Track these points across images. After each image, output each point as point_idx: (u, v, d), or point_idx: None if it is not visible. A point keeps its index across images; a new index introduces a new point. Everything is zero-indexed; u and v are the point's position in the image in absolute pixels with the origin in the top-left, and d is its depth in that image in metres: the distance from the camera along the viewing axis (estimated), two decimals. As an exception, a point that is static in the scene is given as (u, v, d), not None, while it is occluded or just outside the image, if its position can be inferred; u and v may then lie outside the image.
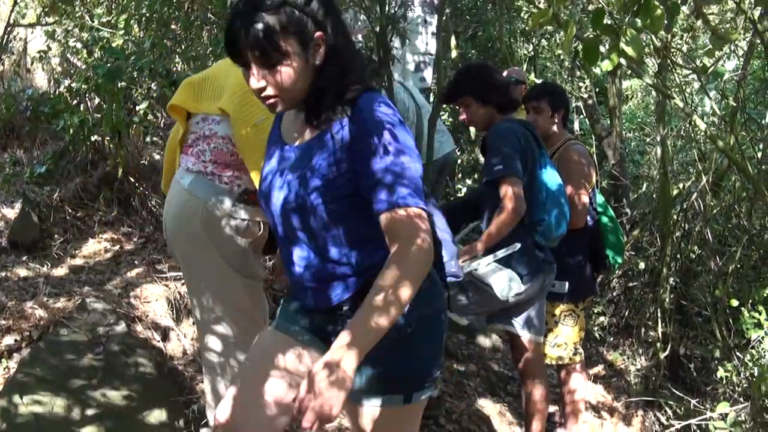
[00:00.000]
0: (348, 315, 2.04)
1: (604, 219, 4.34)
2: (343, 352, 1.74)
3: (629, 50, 2.58)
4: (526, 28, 8.35)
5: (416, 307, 1.96)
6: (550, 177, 3.76)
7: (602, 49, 2.78)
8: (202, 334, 2.96)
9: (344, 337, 1.77)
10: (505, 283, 3.56)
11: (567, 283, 4.12)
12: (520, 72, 5.75)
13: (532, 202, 3.67)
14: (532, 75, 8.67)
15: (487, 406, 4.80)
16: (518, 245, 3.59)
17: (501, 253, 3.59)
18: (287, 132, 2.19)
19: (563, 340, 4.29)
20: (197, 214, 2.76)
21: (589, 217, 4.25)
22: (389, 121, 1.96)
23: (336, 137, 1.99)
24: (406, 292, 1.82)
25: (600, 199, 4.42)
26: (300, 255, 2.10)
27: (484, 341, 5.80)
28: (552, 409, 4.59)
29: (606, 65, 2.73)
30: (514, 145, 3.62)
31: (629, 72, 6.92)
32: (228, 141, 2.76)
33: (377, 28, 5.11)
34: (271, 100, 1.99)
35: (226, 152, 2.78)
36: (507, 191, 3.54)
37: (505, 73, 5.26)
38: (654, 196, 7.23)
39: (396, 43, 5.29)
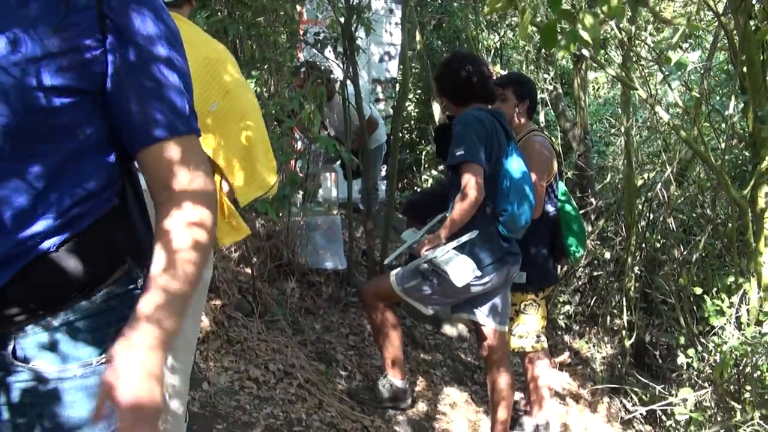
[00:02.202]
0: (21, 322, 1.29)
1: (567, 207, 4.37)
2: (139, 354, 1.20)
3: (586, 36, 2.59)
4: (485, 16, 8.35)
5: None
6: (516, 167, 3.77)
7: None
8: None
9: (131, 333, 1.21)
10: (461, 270, 3.57)
11: (525, 274, 4.13)
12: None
13: (496, 192, 3.69)
14: (498, 66, 8.69)
15: (454, 395, 4.81)
16: (476, 232, 3.63)
17: (459, 241, 3.62)
18: None
19: (525, 329, 4.31)
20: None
21: (551, 207, 4.28)
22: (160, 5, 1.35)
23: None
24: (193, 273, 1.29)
25: (562, 188, 4.45)
26: None
27: (451, 331, 5.82)
28: (517, 397, 4.61)
29: (562, 49, 2.74)
30: (479, 133, 3.64)
31: (595, 64, 6.96)
32: None
33: (342, 19, 5.09)
34: None
35: None
36: (468, 178, 3.56)
37: None
38: (619, 186, 7.29)
39: (361, 33, 5.27)
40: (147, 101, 1.29)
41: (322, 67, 5.63)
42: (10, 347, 1.26)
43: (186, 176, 1.32)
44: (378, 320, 4.13)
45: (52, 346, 1.28)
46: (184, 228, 1.30)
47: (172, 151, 1.31)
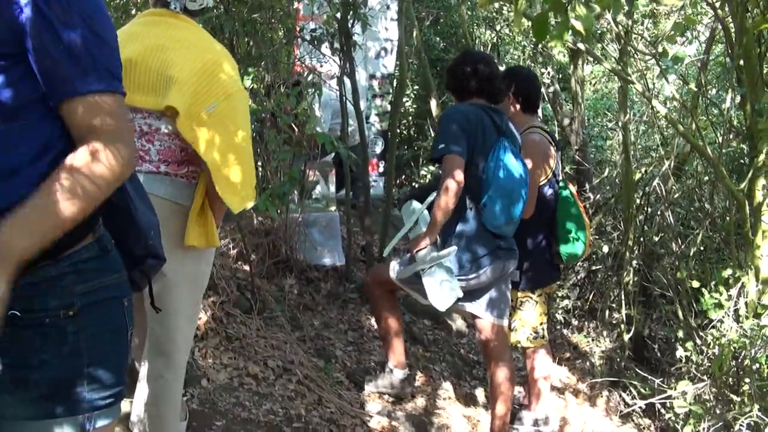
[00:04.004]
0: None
1: (565, 193, 4.30)
2: None
3: (578, 26, 2.58)
4: (479, 7, 8.36)
5: (81, 280, 1.47)
6: (505, 164, 3.73)
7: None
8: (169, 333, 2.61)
9: None
10: (441, 295, 3.67)
11: (517, 272, 4.13)
12: None
13: (480, 186, 3.70)
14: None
15: (453, 390, 4.81)
16: (455, 248, 3.68)
17: (443, 254, 3.67)
18: None
19: (521, 324, 4.32)
20: (166, 215, 2.35)
21: (552, 204, 4.25)
22: None
23: None
24: (77, 203, 1.38)
25: (560, 178, 4.42)
26: None
27: (450, 326, 5.82)
28: (517, 391, 4.62)
29: (554, 40, 2.73)
30: (461, 125, 3.68)
31: (592, 58, 6.96)
32: (175, 137, 2.43)
33: (338, 14, 5.08)
34: None
35: (175, 149, 2.47)
36: (448, 169, 3.61)
37: None
38: (617, 180, 7.30)
39: (357, 29, 5.26)
40: (66, 57, 1.36)
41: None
42: None
43: (102, 126, 1.40)
44: (379, 308, 4.21)
45: (19, 299, 1.36)
46: (82, 161, 1.38)
47: (91, 105, 1.39)
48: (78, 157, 1.38)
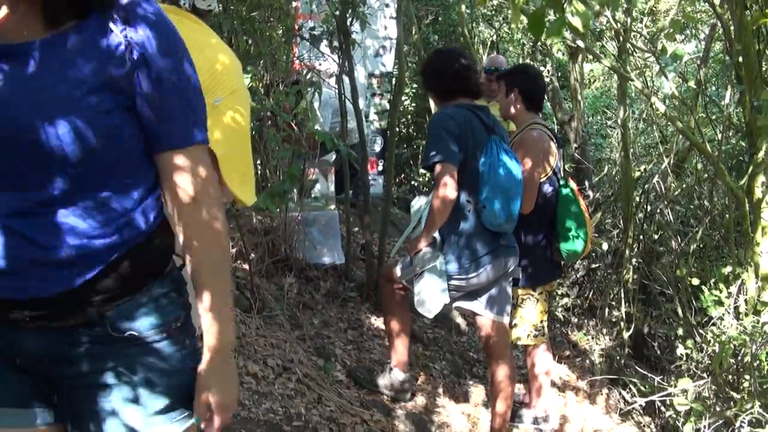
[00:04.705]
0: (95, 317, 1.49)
1: (565, 190, 4.29)
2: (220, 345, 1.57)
3: (576, 22, 2.57)
4: (477, 5, 8.35)
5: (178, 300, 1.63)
6: (498, 162, 3.72)
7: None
8: None
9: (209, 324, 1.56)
10: (429, 301, 3.71)
11: (519, 270, 4.13)
12: (493, 59, 5.78)
13: (477, 185, 3.70)
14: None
15: (453, 388, 4.81)
16: (437, 263, 3.72)
17: (420, 267, 3.74)
18: None
19: (521, 322, 4.32)
20: None
21: (552, 201, 4.24)
22: (171, 23, 1.52)
23: (104, 41, 1.40)
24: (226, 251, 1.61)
25: (561, 175, 4.42)
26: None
27: (449, 324, 5.82)
28: (517, 389, 4.62)
29: (550, 36, 2.72)
30: (450, 130, 3.66)
31: (591, 56, 6.96)
32: None
33: (337, 12, 5.08)
34: None
35: None
36: (440, 178, 3.61)
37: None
38: (616, 178, 7.29)
39: (356, 27, 5.26)
40: (171, 113, 1.47)
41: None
42: (108, 323, 1.48)
43: (204, 183, 1.53)
44: (388, 307, 4.24)
45: (139, 319, 1.51)
46: (215, 237, 1.55)
47: (191, 157, 1.50)
48: (202, 220, 1.53)
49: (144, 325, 1.51)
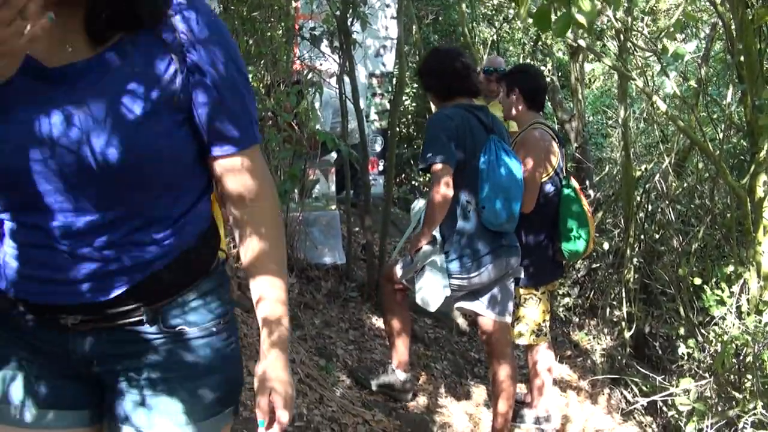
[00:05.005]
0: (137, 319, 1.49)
1: (567, 190, 4.29)
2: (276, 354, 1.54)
3: (581, 18, 2.56)
4: (479, 8, 8.35)
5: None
6: (498, 162, 3.73)
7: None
8: None
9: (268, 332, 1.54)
10: (430, 295, 3.71)
11: (522, 269, 4.13)
12: (492, 60, 5.78)
13: (477, 185, 3.70)
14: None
15: (455, 388, 4.81)
16: (437, 259, 3.71)
17: (421, 263, 3.74)
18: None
19: (523, 321, 4.33)
20: None
21: (555, 200, 4.24)
22: (221, 22, 1.47)
23: (157, 55, 1.36)
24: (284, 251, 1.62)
25: (563, 175, 4.42)
26: (68, 229, 1.37)
27: (450, 325, 5.81)
28: (519, 389, 4.61)
29: (556, 33, 2.71)
30: (448, 131, 3.67)
31: (591, 55, 6.95)
32: None
33: (337, 12, 5.07)
34: None
35: None
36: (437, 179, 3.61)
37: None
38: (617, 178, 7.28)
39: (356, 27, 5.25)
40: (230, 116, 1.45)
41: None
42: (160, 321, 1.49)
43: (266, 181, 1.55)
44: (388, 307, 4.24)
45: (188, 315, 1.52)
46: (278, 233, 1.58)
47: (251, 157, 1.51)
48: (267, 216, 1.56)
49: (194, 320, 1.52)
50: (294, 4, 6.37)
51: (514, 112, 4.34)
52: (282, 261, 1.59)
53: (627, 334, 5.79)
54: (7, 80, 1.26)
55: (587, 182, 7.28)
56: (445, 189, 3.58)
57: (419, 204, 4.06)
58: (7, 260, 1.42)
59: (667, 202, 6.21)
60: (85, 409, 1.54)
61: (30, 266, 1.39)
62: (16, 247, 1.40)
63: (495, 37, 9.49)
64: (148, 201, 1.42)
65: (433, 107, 7.14)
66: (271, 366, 1.53)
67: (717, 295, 4.14)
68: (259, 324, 1.57)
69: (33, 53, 1.29)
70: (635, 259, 6.10)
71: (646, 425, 5.09)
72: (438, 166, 3.60)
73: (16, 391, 1.48)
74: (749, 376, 3.93)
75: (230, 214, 1.56)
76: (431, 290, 3.69)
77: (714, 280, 4.56)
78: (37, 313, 1.44)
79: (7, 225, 1.40)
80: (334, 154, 5.95)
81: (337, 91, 5.54)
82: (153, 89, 1.34)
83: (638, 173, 6.46)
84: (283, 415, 1.51)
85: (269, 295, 1.55)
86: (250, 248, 1.55)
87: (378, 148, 7.92)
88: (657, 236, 6.48)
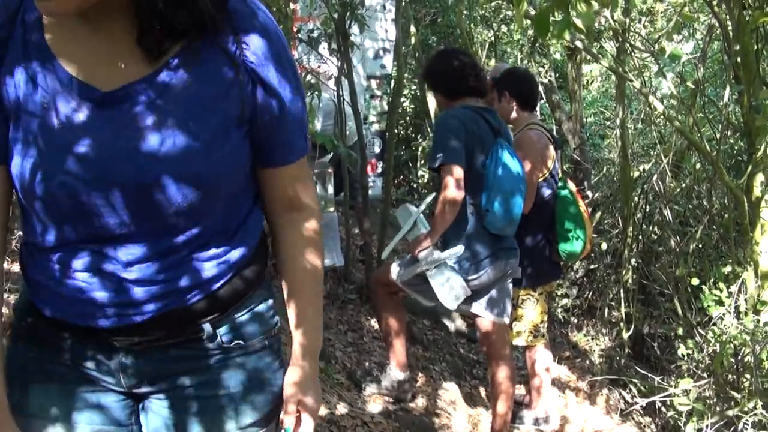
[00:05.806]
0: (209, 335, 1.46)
1: (563, 192, 4.30)
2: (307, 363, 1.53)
3: (579, 23, 2.57)
4: (480, 5, 8.35)
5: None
6: (503, 165, 3.73)
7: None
8: None
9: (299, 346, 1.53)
10: (451, 293, 3.68)
11: (520, 270, 4.13)
12: (497, 68, 5.80)
13: (481, 190, 3.70)
14: (492, 61, 8.69)
15: (453, 390, 4.81)
16: (462, 247, 3.67)
17: (449, 254, 3.66)
18: (81, 64, 1.25)
19: (521, 322, 4.33)
20: None
21: (551, 201, 4.25)
22: (279, 29, 1.40)
23: (218, 69, 1.30)
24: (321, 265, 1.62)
25: (559, 176, 4.43)
26: (131, 252, 1.34)
27: (449, 326, 5.81)
28: (518, 390, 4.62)
29: (556, 37, 2.73)
30: (456, 132, 3.65)
31: (589, 57, 6.96)
32: None
33: (335, 15, 5.07)
34: None
35: None
36: (447, 180, 3.59)
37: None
38: (615, 178, 7.30)
39: (355, 29, 5.25)
40: (286, 129, 1.43)
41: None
42: (219, 336, 1.46)
43: (313, 191, 1.57)
44: (381, 309, 4.21)
45: (243, 328, 1.50)
46: (318, 243, 1.59)
47: (300, 168, 1.52)
48: (311, 223, 1.57)
49: (249, 333, 1.50)
50: (292, 6, 6.37)
51: (514, 115, 4.35)
52: (320, 271, 1.60)
53: (625, 335, 5.80)
54: (74, 108, 1.24)
55: (585, 183, 7.29)
56: (456, 190, 3.56)
57: (410, 207, 4.04)
58: (64, 287, 1.36)
59: (664, 202, 6.22)
60: (126, 427, 1.51)
61: (89, 292, 1.35)
62: (74, 273, 1.35)
63: (493, 38, 9.49)
64: (213, 219, 1.39)
65: (432, 108, 7.17)
66: (304, 373, 1.52)
67: (715, 295, 4.15)
68: (290, 327, 1.56)
69: (86, 78, 1.24)
70: (633, 260, 6.11)
71: (644, 426, 5.09)
72: (449, 167, 3.58)
73: (57, 408, 1.44)
74: (748, 376, 3.94)
75: (272, 223, 1.57)
76: (451, 289, 3.67)
77: (712, 280, 4.57)
78: (91, 336, 1.39)
79: (67, 252, 1.35)
80: (330, 154, 5.95)
81: (335, 93, 5.54)
82: (220, 106, 1.30)
83: (636, 174, 6.48)
84: (309, 424, 1.50)
85: (304, 300, 1.56)
86: (289, 254, 1.57)
87: (376, 149, 7.92)
88: (655, 237, 6.50)
